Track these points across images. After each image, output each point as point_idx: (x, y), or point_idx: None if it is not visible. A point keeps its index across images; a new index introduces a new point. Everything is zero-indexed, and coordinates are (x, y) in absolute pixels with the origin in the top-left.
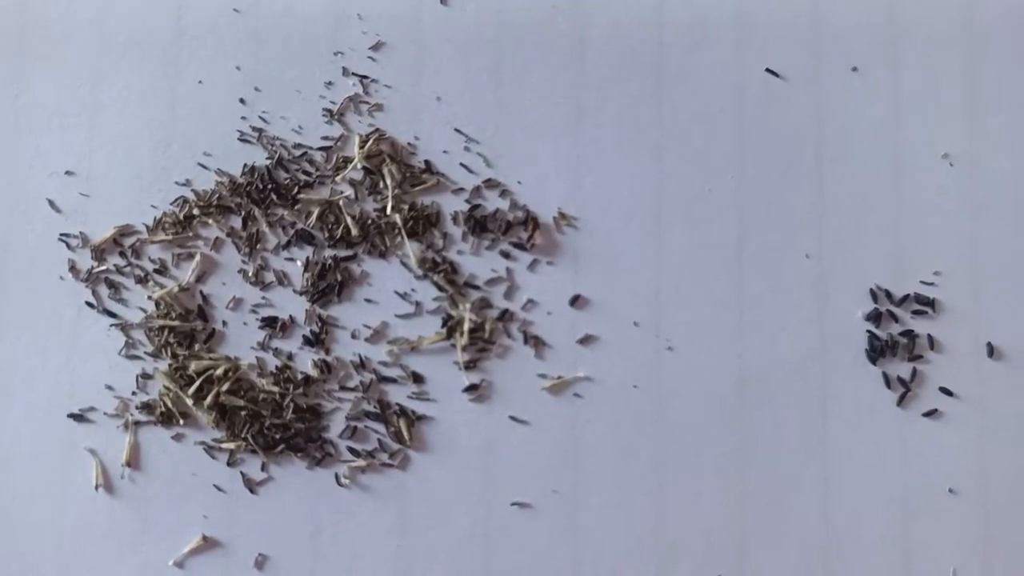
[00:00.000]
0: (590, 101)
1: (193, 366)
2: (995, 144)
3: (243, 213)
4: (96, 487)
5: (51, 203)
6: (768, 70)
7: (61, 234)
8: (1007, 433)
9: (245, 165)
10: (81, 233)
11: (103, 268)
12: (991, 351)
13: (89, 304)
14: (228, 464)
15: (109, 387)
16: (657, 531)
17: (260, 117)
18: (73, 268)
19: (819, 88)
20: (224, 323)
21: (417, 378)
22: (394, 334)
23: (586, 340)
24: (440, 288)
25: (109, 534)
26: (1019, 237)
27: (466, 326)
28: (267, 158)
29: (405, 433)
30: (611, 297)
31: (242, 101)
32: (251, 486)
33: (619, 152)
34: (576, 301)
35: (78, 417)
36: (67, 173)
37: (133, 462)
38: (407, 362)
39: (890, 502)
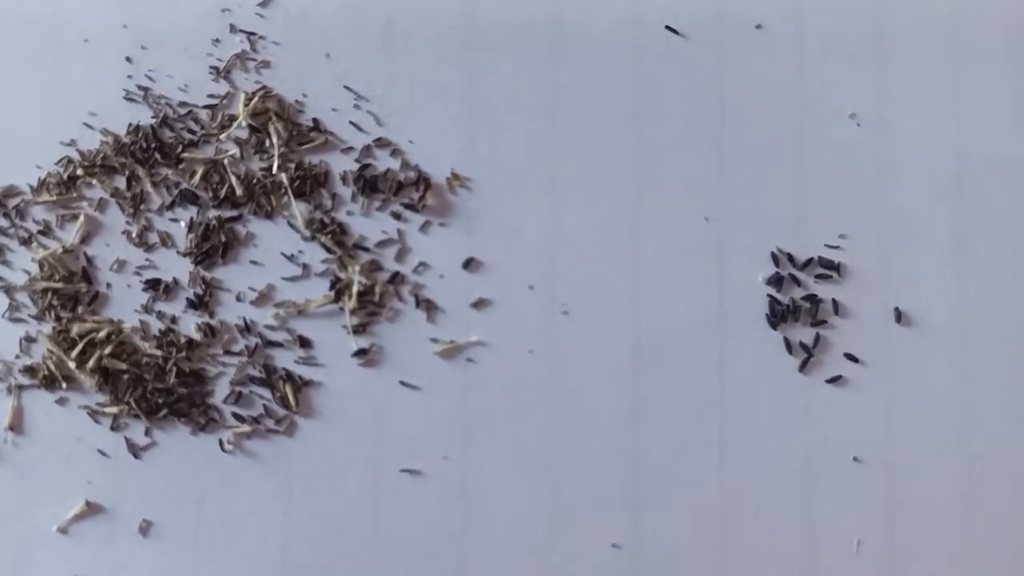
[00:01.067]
0: (484, 58)
1: (76, 329)
2: (903, 103)
3: (127, 173)
4: None
5: None
6: (668, 27)
7: None
8: (913, 400)
9: (130, 124)
10: None
11: None
12: (898, 316)
13: None
14: (112, 429)
15: None
16: (550, 498)
17: (146, 76)
18: None
19: (721, 46)
20: (108, 285)
21: (304, 342)
22: (281, 297)
23: (479, 304)
24: (328, 250)
25: None
26: (927, 199)
27: (355, 289)
28: (152, 117)
29: (291, 399)
30: (505, 260)
31: (128, 59)
32: (135, 451)
33: (514, 111)
34: (469, 264)
35: None
36: None
37: (16, 426)
38: (294, 326)
39: (792, 471)
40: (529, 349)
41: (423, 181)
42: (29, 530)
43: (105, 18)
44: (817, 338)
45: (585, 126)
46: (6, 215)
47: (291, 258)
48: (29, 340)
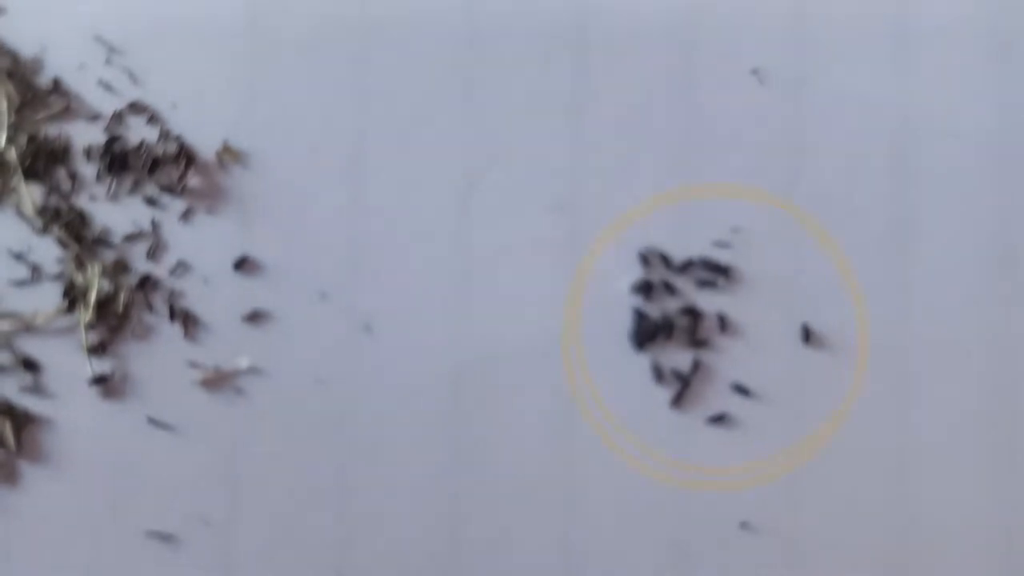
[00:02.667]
0: None
1: None
2: (822, 54)
3: None
4: None
5: None
6: None
7: None
8: (822, 444)
9: None
10: None
11: None
12: (807, 335)
13: None
14: None
15: None
16: (340, 571)
17: None
18: None
19: None
20: None
21: (30, 365)
22: (4, 307)
23: (255, 317)
24: (63, 245)
25: None
26: (851, 178)
27: (93, 296)
28: None
29: (11, 438)
30: (291, 260)
31: None
32: None
33: (306, 65)
34: (243, 265)
35: None
36: None
37: None
38: (19, 344)
39: (663, 542)
40: (318, 378)
41: (185, 156)
42: None
43: None
44: (696, 364)
45: (400, 81)
46: None
47: (19, 257)
48: None
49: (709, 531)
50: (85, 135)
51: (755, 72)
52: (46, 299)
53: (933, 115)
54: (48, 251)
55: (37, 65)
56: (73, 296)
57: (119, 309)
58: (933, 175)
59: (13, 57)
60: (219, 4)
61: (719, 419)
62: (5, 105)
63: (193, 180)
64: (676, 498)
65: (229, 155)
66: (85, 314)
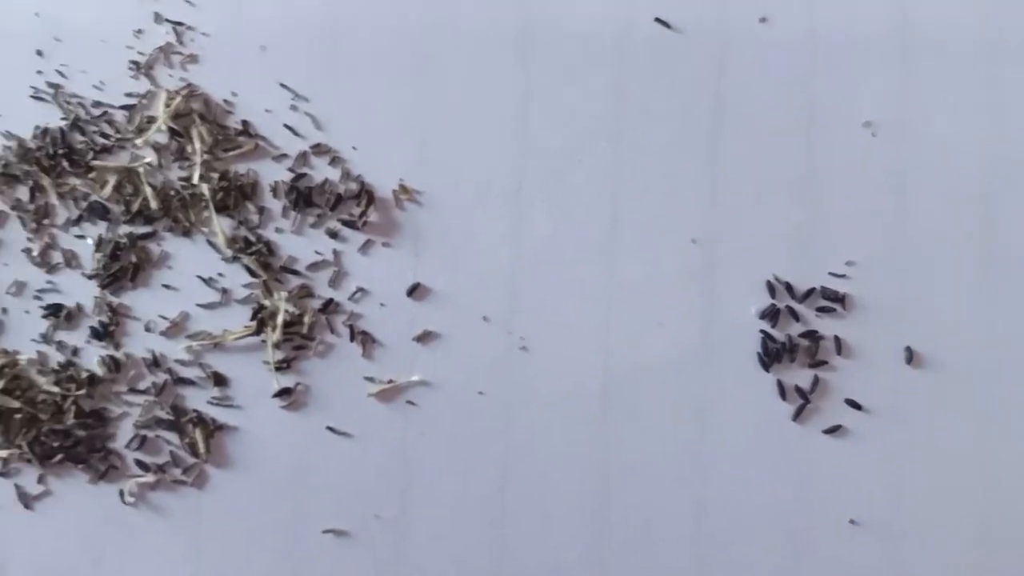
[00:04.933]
0: (441, 53)
1: None
2: (927, 110)
3: (31, 183)
4: None
5: None
6: (658, 20)
7: None
8: (925, 456)
9: (37, 127)
10: None
11: None
12: (910, 357)
13: None
14: (0, 475)
15: None
16: (499, 567)
17: (58, 71)
18: None
19: (719, 42)
20: (4, 310)
21: (219, 380)
22: (195, 327)
23: (425, 337)
24: (252, 273)
25: None
26: (951, 221)
27: (280, 318)
28: (62, 119)
29: (202, 445)
30: (456, 287)
31: (39, 53)
32: (26, 500)
33: (474, 113)
34: (415, 291)
35: None
36: None
37: None
38: (209, 361)
39: (781, 534)
40: (480, 391)
41: (366, 194)
42: None
43: (13, 4)
44: (816, 381)
45: (556, 132)
46: None
47: (209, 282)
48: None
49: (822, 526)
50: (272, 173)
51: (867, 124)
52: (234, 320)
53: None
54: (236, 277)
55: (228, 109)
56: (262, 318)
57: (303, 330)
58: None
59: (205, 101)
60: (393, 58)
61: (834, 430)
62: (199, 144)
63: (372, 215)
64: (794, 497)
65: (404, 193)
66: (272, 334)
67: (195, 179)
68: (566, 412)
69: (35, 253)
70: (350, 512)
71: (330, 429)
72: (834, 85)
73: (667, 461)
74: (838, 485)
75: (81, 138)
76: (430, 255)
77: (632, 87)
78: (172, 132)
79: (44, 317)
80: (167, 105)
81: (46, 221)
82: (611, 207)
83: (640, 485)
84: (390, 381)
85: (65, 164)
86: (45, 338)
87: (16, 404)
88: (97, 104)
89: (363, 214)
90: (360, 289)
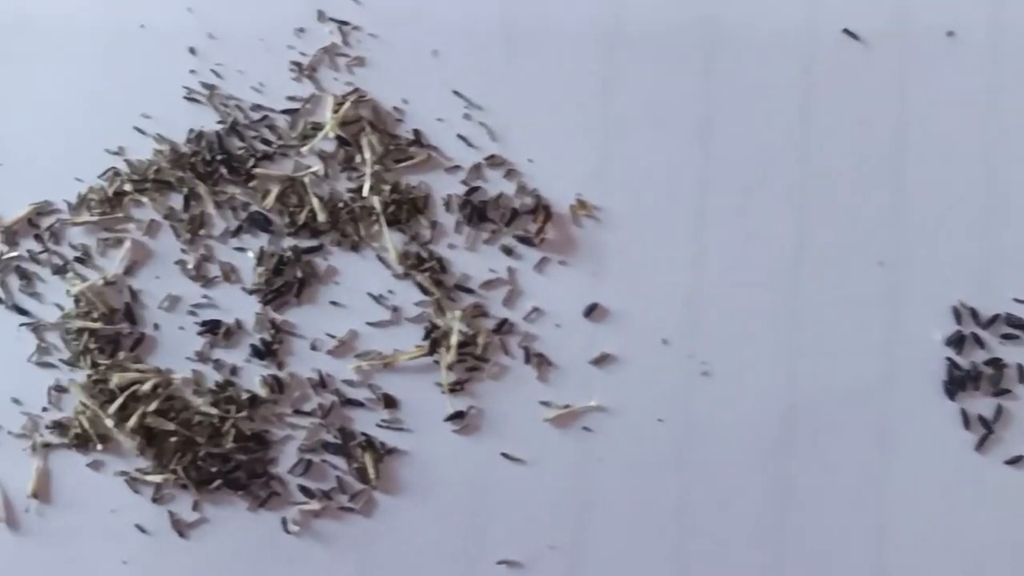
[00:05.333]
0: (623, 63)
1: (116, 379)
2: None
3: (186, 190)
4: None
5: None
6: (846, 31)
7: None
8: None
9: (191, 131)
10: None
11: (13, 254)
12: None
13: None
14: (154, 500)
15: (15, 401)
16: None
17: (213, 71)
18: None
19: (905, 56)
20: (156, 326)
21: (390, 402)
22: (364, 347)
23: (602, 360)
24: (424, 290)
25: None
26: None
27: (454, 339)
28: (218, 122)
29: (371, 470)
30: (636, 308)
31: (192, 51)
32: (180, 528)
33: (655, 128)
34: (592, 311)
35: None
36: None
37: (41, 494)
38: (378, 382)
39: (960, 564)
40: (659, 417)
41: (542, 209)
42: None
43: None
44: (999, 410)
45: (740, 149)
46: (38, 237)
47: (379, 299)
48: (59, 390)
49: (1002, 557)
50: (444, 186)
51: None
52: (403, 339)
53: None
54: (406, 295)
55: (399, 117)
56: (435, 338)
57: (477, 351)
58: None
59: (374, 107)
60: (572, 66)
61: (1016, 460)
62: (369, 153)
63: (548, 232)
64: (974, 526)
65: (582, 209)
66: (446, 355)
67: (365, 191)
68: (747, 439)
69: (190, 266)
70: (523, 542)
71: (505, 455)
72: (1020, 105)
73: (847, 488)
74: (1020, 516)
75: (239, 144)
76: (608, 274)
77: (818, 102)
78: (340, 140)
79: (200, 334)
80: (335, 111)
81: (202, 232)
82: (795, 227)
83: (820, 513)
84: (566, 406)
85: (223, 171)
86: (201, 357)
87: (171, 426)
88: (257, 107)
89: (540, 231)
90: (536, 309)
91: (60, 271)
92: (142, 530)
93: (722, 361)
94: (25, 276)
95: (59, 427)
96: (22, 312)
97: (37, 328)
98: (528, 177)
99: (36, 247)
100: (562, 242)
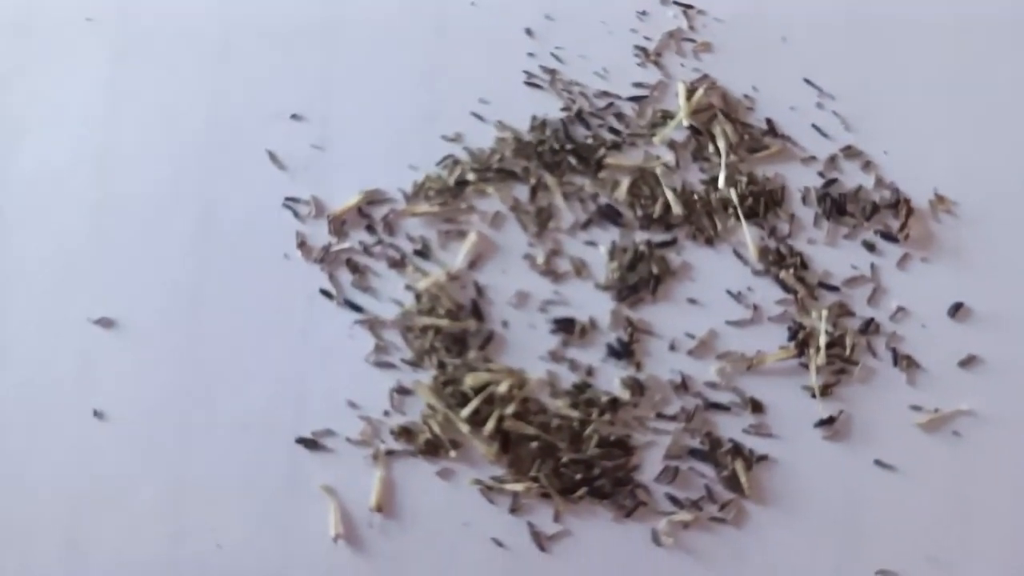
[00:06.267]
0: (981, 44)
1: (469, 380)
2: None
3: (532, 181)
4: (335, 538)
5: (272, 155)
6: None
7: (287, 198)
8: None
9: (534, 118)
10: (314, 198)
11: (344, 246)
12: None
13: (325, 293)
14: (511, 511)
15: (352, 404)
16: None
17: (552, 54)
18: (303, 244)
19: None
20: (505, 324)
21: (756, 406)
22: (725, 347)
23: (969, 362)
24: (786, 288)
25: None
26: None
27: (822, 340)
28: (562, 109)
29: (742, 478)
30: (1003, 306)
31: (529, 32)
32: (541, 541)
33: (1020, 117)
34: (957, 311)
35: (310, 444)
36: (294, 117)
37: (385, 506)
38: (742, 384)
39: None
40: None
41: (903, 204)
42: None
43: None
44: None
45: None
46: (371, 228)
47: (738, 297)
48: (403, 392)
49: None
50: (800, 177)
51: None
52: (763, 339)
53: None
54: (766, 292)
55: (749, 106)
56: (801, 339)
57: (845, 353)
58: None
59: (724, 95)
60: (936, 54)
61: None
62: (724, 144)
63: (911, 227)
64: None
65: (941, 204)
66: (815, 357)
67: (720, 183)
68: None
69: (539, 261)
70: (900, 552)
71: (877, 462)
72: None
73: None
74: None
75: (586, 132)
76: (972, 272)
77: None
78: (692, 130)
79: (552, 332)
80: (688, 99)
81: (550, 225)
82: None
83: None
84: (936, 410)
85: (570, 161)
86: (554, 356)
87: (531, 430)
88: (602, 94)
89: (904, 226)
90: (900, 308)
91: (398, 265)
92: (499, 544)
93: None
94: (357, 270)
95: (404, 433)
96: (356, 308)
97: (374, 326)
98: (884, 170)
99: (369, 239)
100: (922, 238)
